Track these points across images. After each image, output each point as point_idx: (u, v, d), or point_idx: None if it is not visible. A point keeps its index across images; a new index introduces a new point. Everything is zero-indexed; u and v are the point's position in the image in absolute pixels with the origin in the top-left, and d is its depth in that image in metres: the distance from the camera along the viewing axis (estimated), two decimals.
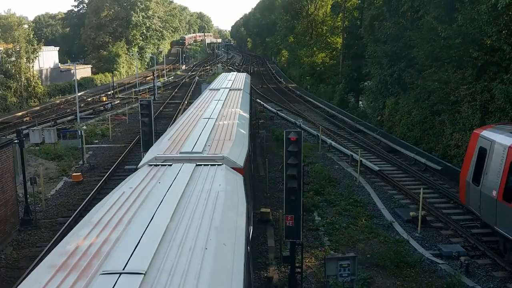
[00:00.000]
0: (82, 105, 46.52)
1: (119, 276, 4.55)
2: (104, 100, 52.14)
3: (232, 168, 9.33)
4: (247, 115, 16.59)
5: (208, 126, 12.59)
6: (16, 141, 17.40)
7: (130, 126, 36.64)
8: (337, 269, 11.29)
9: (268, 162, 22.45)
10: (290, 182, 11.17)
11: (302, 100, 51.03)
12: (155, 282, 4.52)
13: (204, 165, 9.13)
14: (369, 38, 39.68)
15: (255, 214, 15.47)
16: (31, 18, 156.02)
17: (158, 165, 9.15)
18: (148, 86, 63.35)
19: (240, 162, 9.91)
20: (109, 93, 57.01)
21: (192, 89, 59.77)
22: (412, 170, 23.30)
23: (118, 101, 50.69)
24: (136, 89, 59.74)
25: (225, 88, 22.40)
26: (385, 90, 33.60)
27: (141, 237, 5.47)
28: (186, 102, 47.63)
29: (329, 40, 61.75)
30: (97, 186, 20.92)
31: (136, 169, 9.52)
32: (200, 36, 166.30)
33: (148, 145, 15.53)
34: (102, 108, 46.03)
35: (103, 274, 4.63)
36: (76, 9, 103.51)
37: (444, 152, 24.01)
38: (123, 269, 4.69)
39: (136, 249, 5.14)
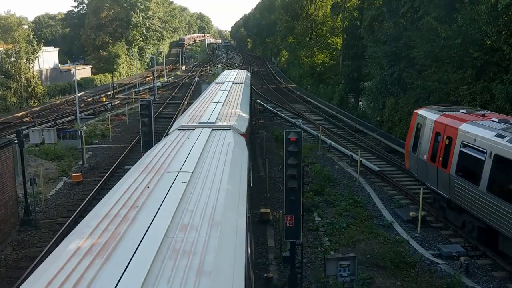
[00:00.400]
0: (82, 105, 46.53)
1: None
2: (104, 100, 52.16)
3: (238, 133, 12.61)
4: (247, 101, 20.57)
5: (218, 107, 16.14)
6: (16, 141, 17.39)
7: (130, 126, 36.64)
8: (337, 269, 11.29)
9: (268, 162, 22.46)
10: (290, 182, 11.18)
11: (302, 100, 51.04)
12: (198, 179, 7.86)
13: (217, 130, 12.52)
14: (369, 39, 39.69)
15: (255, 215, 15.71)
16: (31, 18, 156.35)
17: (185, 129, 12.63)
18: (148, 87, 63.39)
19: (243, 129, 13.35)
20: (109, 93, 57.04)
21: (192, 89, 59.79)
22: None
23: (118, 102, 50.71)
24: (136, 90, 59.76)
25: (229, 82, 25.78)
26: (385, 91, 33.60)
27: (184, 162, 8.87)
28: (186, 102, 47.63)
29: (329, 41, 61.79)
30: (97, 187, 20.92)
31: (167, 134, 13.32)
32: (198, 37, 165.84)
33: (148, 145, 15.55)
34: (102, 108, 46.04)
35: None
36: (76, 10, 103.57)
37: None
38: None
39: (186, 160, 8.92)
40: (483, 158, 14.08)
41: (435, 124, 17.18)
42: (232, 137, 11.58)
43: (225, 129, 12.63)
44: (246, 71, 38.18)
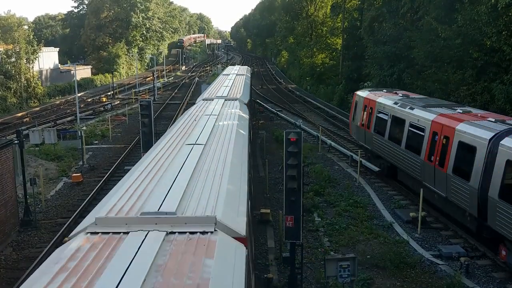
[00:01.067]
0: (82, 105, 46.54)
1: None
2: (104, 100, 52.16)
3: (242, 103, 18.45)
4: (248, 86, 27.19)
5: (227, 88, 22.49)
6: (16, 141, 17.39)
7: (130, 126, 36.63)
8: (337, 270, 11.27)
9: (268, 162, 22.45)
10: (290, 182, 11.17)
11: (302, 100, 51.04)
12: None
13: (229, 100, 18.48)
14: (369, 39, 39.71)
15: (255, 215, 15.74)
16: (31, 19, 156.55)
17: (206, 100, 18.74)
18: (148, 87, 63.39)
19: (245, 101, 19.68)
20: (109, 93, 57.03)
21: (192, 89, 59.79)
22: None
23: (118, 102, 50.71)
24: (136, 90, 59.76)
25: (233, 74, 32.42)
26: None
27: (210, 114, 14.19)
28: (186, 102, 47.62)
29: (329, 41, 61.80)
30: (97, 187, 20.91)
31: (194, 103, 19.43)
32: (198, 37, 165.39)
33: (148, 146, 15.55)
34: (102, 108, 46.03)
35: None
36: (76, 10, 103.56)
37: None
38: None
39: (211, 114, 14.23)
40: (386, 119, 21.15)
41: (364, 100, 24.18)
42: (238, 105, 17.57)
43: (234, 100, 18.71)
44: (247, 66, 47.83)
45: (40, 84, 53.43)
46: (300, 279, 12.17)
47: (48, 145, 27.06)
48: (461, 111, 17.11)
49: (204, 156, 8.99)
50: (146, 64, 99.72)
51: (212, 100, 18.37)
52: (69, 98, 54.23)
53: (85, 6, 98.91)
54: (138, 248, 4.91)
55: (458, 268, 13.65)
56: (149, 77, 77.62)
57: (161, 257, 4.81)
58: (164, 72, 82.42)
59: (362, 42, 43.26)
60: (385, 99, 21.95)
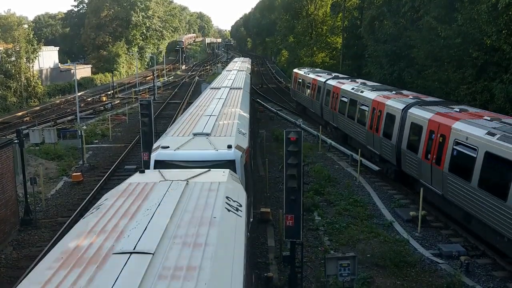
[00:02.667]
0: (82, 105, 46.55)
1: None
2: (104, 100, 52.15)
3: (244, 91, 23.47)
4: (248, 79, 33.56)
5: (232, 79, 29.17)
6: (16, 141, 17.39)
7: (130, 126, 36.63)
8: (337, 268, 11.29)
9: (268, 162, 22.46)
10: (290, 181, 11.17)
11: None
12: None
13: (233, 89, 23.53)
14: (369, 38, 39.70)
15: (255, 214, 15.74)
16: (31, 18, 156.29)
17: (214, 88, 24.39)
18: (148, 86, 63.38)
19: (247, 90, 25.22)
20: (109, 93, 57.03)
21: (192, 89, 59.77)
22: None
23: (118, 101, 50.70)
24: (136, 89, 59.74)
25: (235, 69, 39.46)
26: None
27: (219, 98, 19.77)
28: (186, 102, 47.61)
29: (329, 40, 61.74)
30: (97, 186, 20.93)
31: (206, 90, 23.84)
32: (193, 38, 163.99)
33: (148, 145, 15.53)
34: (102, 108, 46.03)
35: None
36: (76, 9, 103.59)
37: None
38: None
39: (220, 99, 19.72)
40: (322, 90, 32.06)
41: (298, 75, 39.54)
42: (241, 94, 21.74)
43: (237, 89, 23.62)
44: (248, 58, 61.61)
45: (40, 83, 53.41)
46: (300, 278, 12.18)
47: (48, 145, 27.06)
48: (394, 92, 23.41)
49: (225, 105, 17.92)
50: (146, 63, 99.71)
51: (219, 89, 24.32)
52: (69, 97, 54.23)
53: (85, 5, 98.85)
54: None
55: (458, 267, 13.66)
56: (149, 76, 77.62)
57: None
58: (164, 72, 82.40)
59: (362, 41, 43.24)
60: (321, 78, 33.64)
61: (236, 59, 58.62)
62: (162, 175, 8.54)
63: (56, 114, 42.25)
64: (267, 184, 20.80)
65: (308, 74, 37.61)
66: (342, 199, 19.26)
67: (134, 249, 5.18)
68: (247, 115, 17.38)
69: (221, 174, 8.71)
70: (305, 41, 66.18)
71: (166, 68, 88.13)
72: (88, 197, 19.43)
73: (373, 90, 24.33)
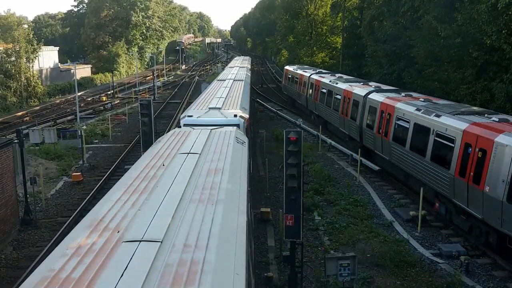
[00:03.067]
0: (82, 105, 46.53)
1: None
2: (104, 100, 52.14)
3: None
4: (249, 73, 38.20)
5: (234, 73, 33.14)
6: (16, 141, 17.39)
7: (130, 126, 36.63)
8: (337, 268, 11.29)
9: (268, 162, 22.47)
10: (290, 181, 11.18)
11: None
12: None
13: (236, 80, 27.11)
14: (369, 38, 39.70)
15: (255, 214, 15.78)
16: (30, 18, 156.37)
17: (220, 80, 27.96)
18: (147, 86, 63.37)
19: (248, 81, 30.43)
20: (109, 93, 57.02)
21: (192, 88, 59.76)
22: None
23: (118, 101, 50.70)
24: (136, 89, 59.73)
25: (237, 66, 43.17)
26: None
27: (225, 89, 22.43)
28: (186, 101, 47.60)
29: (329, 40, 61.76)
30: (97, 186, 20.93)
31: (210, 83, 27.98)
32: (191, 38, 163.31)
33: (148, 145, 15.52)
34: (102, 108, 46.03)
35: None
36: (76, 9, 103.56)
37: None
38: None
39: (225, 89, 22.74)
40: (307, 83, 36.86)
41: (288, 71, 45.35)
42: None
43: (239, 81, 27.01)
44: (248, 56, 69.88)
45: (40, 83, 53.40)
46: (300, 277, 12.19)
47: (48, 144, 27.06)
48: (362, 83, 27.73)
49: (230, 91, 21.72)
50: (146, 63, 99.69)
51: (224, 81, 27.17)
52: (69, 97, 54.22)
53: (85, 5, 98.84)
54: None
55: (458, 266, 13.66)
56: (149, 76, 77.59)
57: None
58: (164, 71, 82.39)
59: (362, 41, 43.25)
60: (300, 71, 40.77)
61: (237, 57, 69.74)
62: (192, 128, 12.93)
63: (56, 114, 42.24)
64: (267, 184, 20.80)
65: (297, 70, 42.32)
66: (342, 198, 19.27)
67: (189, 151, 9.90)
68: (247, 97, 22.32)
69: (231, 129, 12.95)
70: (305, 41, 66.21)
71: (166, 68, 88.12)
72: (88, 197, 19.43)
73: (345, 82, 28.94)
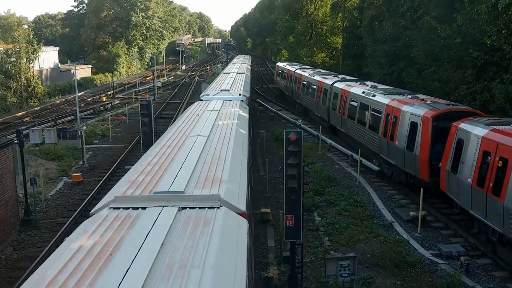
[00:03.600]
0: (82, 105, 46.53)
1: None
2: (104, 100, 52.14)
3: (246, 74, 33.28)
4: (249, 69, 42.94)
5: (237, 68, 39.04)
6: (16, 141, 17.40)
7: (130, 126, 36.64)
8: (337, 269, 11.29)
9: (268, 162, 22.45)
10: (290, 182, 11.18)
11: None
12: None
13: (239, 73, 32.83)
14: (368, 38, 39.71)
15: (255, 214, 15.74)
16: (31, 18, 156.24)
17: (226, 73, 33.89)
18: (148, 86, 63.35)
19: (249, 74, 36.85)
20: (109, 93, 57.01)
21: (192, 89, 59.76)
22: None
23: (118, 101, 50.69)
24: (136, 89, 59.73)
25: (239, 63, 48.01)
26: None
27: (230, 77, 29.56)
28: (186, 102, 47.61)
29: (329, 40, 61.77)
30: (97, 187, 20.92)
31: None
32: (189, 39, 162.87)
33: (148, 145, 15.52)
34: (102, 108, 46.02)
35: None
36: (76, 10, 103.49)
37: None
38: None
39: (230, 77, 29.24)
40: (292, 77, 43.16)
41: (279, 67, 53.14)
42: (245, 76, 30.68)
43: (242, 73, 32.58)
44: (249, 56, 74.64)
45: (40, 83, 53.40)
46: (300, 278, 12.18)
47: (48, 145, 27.06)
48: (333, 75, 34.10)
49: (235, 80, 27.70)
50: (146, 63, 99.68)
51: (229, 73, 32.24)
52: (69, 97, 54.22)
53: (85, 5, 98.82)
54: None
55: (458, 267, 13.66)
56: (149, 76, 77.60)
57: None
58: (164, 72, 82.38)
59: (362, 41, 43.25)
60: (299, 69, 42.62)
61: (239, 56, 78.65)
62: (210, 101, 18.17)
63: (56, 114, 42.24)
64: (267, 184, 20.80)
65: (285, 66, 49.29)
66: (342, 199, 19.26)
67: (212, 108, 15.17)
68: (248, 83, 28.49)
69: (237, 102, 18.22)
70: (305, 41, 66.23)
71: (166, 68, 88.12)
72: (88, 197, 19.42)
73: (320, 75, 35.54)
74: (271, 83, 68.67)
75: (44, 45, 60.83)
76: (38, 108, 47.30)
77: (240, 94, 20.36)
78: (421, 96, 21.52)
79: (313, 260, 14.28)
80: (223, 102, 17.45)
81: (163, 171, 7.99)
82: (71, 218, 17.33)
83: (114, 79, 64.12)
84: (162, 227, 5.53)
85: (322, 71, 39.80)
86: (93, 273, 4.47)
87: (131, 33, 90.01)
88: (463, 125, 15.57)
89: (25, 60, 49.97)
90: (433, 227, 16.67)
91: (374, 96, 23.02)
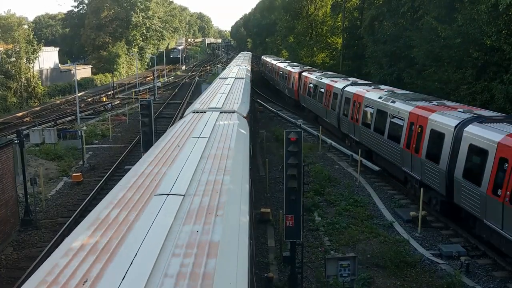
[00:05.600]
0: (82, 105, 46.54)
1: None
2: (104, 100, 52.15)
3: (247, 65, 43.29)
4: (250, 67, 43.39)
5: (240, 62, 46.99)
6: (16, 141, 17.40)
7: (130, 126, 36.64)
8: (337, 269, 11.29)
9: (268, 162, 22.46)
10: (290, 182, 11.18)
11: None
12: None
13: (243, 59, 52.25)
14: (369, 38, 39.70)
15: (255, 214, 15.74)
16: (31, 18, 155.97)
17: (229, 68, 40.13)
18: (148, 87, 63.37)
19: (249, 66, 43.48)
20: (109, 93, 57.02)
21: (192, 89, 59.77)
22: None
23: (118, 102, 50.70)
24: (136, 90, 59.74)
25: (239, 63, 47.52)
26: None
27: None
28: (186, 102, 47.61)
29: (329, 40, 61.71)
30: (97, 187, 20.92)
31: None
32: (183, 41, 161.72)
33: (148, 145, 15.51)
34: (102, 108, 46.02)
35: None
36: (76, 10, 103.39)
37: None
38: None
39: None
40: (274, 70, 54.67)
41: (265, 61, 66.49)
42: (245, 68, 37.18)
43: (243, 67, 37.38)
44: (250, 53, 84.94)
45: (40, 83, 53.41)
46: (300, 278, 12.18)
47: (48, 145, 27.06)
48: (296, 66, 41.22)
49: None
50: (146, 63, 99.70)
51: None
52: (69, 97, 54.23)
53: (85, 5, 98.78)
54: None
55: (458, 267, 13.65)
56: (149, 76, 77.62)
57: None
58: (164, 72, 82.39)
59: (362, 42, 43.25)
60: (283, 65, 48.52)
61: (240, 54, 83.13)
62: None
63: (56, 115, 42.25)
64: (267, 184, 20.80)
65: (266, 58, 60.95)
66: (342, 199, 19.26)
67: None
68: (249, 73, 32.93)
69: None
70: (305, 42, 66.17)
71: (166, 69, 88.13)
72: (88, 197, 19.43)
73: (293, 67, 42.15)
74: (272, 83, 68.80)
75: (44, 45, 60.79)
76: (38, 108, 47.30)
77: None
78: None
79: (313, 260, 14.28)
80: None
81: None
82: (71, 218, 17.33)
83: (114, 79, 64.10)
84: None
85: (296, 64, 44.88)
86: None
87: (131, 33, 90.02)
88: None
89: (25, 60, 49.98)
90: (433, 227, 16.66)
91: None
